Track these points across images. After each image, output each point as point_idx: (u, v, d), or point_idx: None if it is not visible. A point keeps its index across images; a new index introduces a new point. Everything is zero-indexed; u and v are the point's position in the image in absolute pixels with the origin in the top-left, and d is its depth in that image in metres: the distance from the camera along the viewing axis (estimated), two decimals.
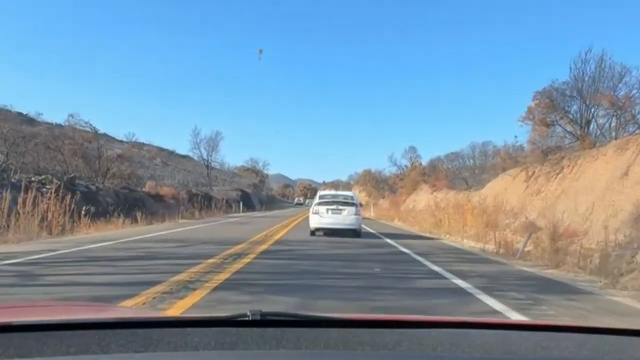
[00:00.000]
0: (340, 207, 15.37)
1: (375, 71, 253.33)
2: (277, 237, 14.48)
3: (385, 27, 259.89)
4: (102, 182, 28.38)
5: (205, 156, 57.67)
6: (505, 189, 22.52)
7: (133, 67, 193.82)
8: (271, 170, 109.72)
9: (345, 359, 1.08)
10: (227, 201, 46.30)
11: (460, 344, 1.16)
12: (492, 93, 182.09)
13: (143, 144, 68.34)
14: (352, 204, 15.73)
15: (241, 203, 45.53)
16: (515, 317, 4.91)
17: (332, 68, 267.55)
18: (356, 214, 15.42)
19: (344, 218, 15.20)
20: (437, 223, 23.62)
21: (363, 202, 68.77)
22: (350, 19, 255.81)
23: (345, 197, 16.70)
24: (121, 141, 59.87)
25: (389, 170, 66.19)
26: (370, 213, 44.86)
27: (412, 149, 64.11)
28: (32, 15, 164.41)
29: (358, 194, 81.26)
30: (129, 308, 3.99)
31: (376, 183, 67.85)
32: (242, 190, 59.18)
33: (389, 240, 14.70)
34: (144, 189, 32.71)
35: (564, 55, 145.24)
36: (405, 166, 63.25)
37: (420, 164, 55.72)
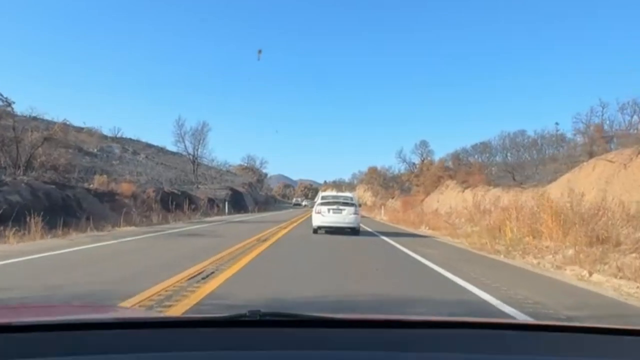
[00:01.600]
0: (341, 207, 15.87)
1: (379, 68, 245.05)
2: (211, 285, 6.08)
3: (386, 26, 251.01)
4: (22, 173, 20.16)
5: (190, 150, 49.35)
6: (605, 182, 14.23)
7: (131, 67, 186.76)
8: (273, 171, 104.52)
9: (344, 359, 1.05)
10: (212, 201, 38.23)
11: (459, 344, 1.13)
12: (505, 83, 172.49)
13: (131, 140, 61.88)
14: (352, 205, 16.26)
15: (226, 204, 37.31)
16: None
17: (333, 67, 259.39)
18: (355, 214, 15.94)
19: (344, 217, 15.67)
20: (495, 233, 15.26)
21: (369, 203, 60.82)
22: (350, 18, 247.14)
23: (345, 198, 17.33)
24: (106, 136, 52.19)
25: (397, 167, 58.01)
26: (382, 216, 36.40)
27: (424, 143, 55.94)
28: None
29: (363, 193, 73.77)
30: (129, 308, 3.71)
31: (384, 181, 59.41)
32: (232, 189, 50.87)
33: (481, 293, 6.19)
34: (90, 185, 24.44)
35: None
36: (414, 164, 55.05)
37: (431, 161, 47.44)
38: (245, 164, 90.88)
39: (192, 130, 48.53)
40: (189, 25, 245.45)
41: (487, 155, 32.94)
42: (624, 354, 1.16)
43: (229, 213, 37.45)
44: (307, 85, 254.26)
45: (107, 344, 1.03)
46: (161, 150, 67.14)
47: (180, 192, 33.73)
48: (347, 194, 20.30)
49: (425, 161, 53.57)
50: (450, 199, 28.11)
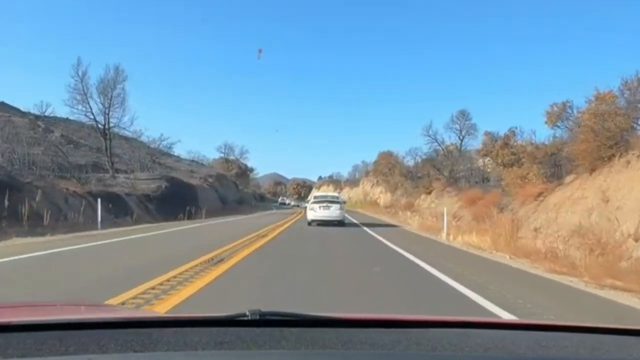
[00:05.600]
0: (329, 205, 19.42)
1: (376, 65, 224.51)
2: None
3: (385, 23, 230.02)
4: None
5: (100, 117, 28.66)
6: None
7: (130, 66, 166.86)
8: (267, 170, 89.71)
9: (344, 358, 1.02)
10: (116, 200, 18.07)
11: (459, 343, 1.09)
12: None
13: (68, 119, 43.79)
14: (337, 202, 19.95)
15: (99, 206, 17.02)
16: None
17: (331, 65, 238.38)
18: (340, 209, 19.58)
19: (331, 212, 19.08)
20: None
21: (381, 202, 40.42)
22: (345, 16, 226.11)
23: (333, 197, 21.43)
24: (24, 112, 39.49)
25: (424, 149, 37.38)
26: (448, 238, 15.60)
27: (463, 114, 35.64)
28: None
29: (370, 189, 53.28)
30: (128, 308, 3.84)
31: (408, 170, 39.21)
32: (172, 180, 30.62)
33: None
34: None
35: None
36: (439, 145, 34.90)
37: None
38: (223, 155, 70.45)
39: (102, 83, 27.84)
40: (188, 23, 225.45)
41: None
42: (626, 354, 1.11)
43: (125, 224, 17.44)
44: (305, 84, 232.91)
45: (106, 343, 0.98)
46: (102, 133, 47.55)
47: None
48: (334, 193, 25.82)
49: (462, 139, 33.26)
50: None
